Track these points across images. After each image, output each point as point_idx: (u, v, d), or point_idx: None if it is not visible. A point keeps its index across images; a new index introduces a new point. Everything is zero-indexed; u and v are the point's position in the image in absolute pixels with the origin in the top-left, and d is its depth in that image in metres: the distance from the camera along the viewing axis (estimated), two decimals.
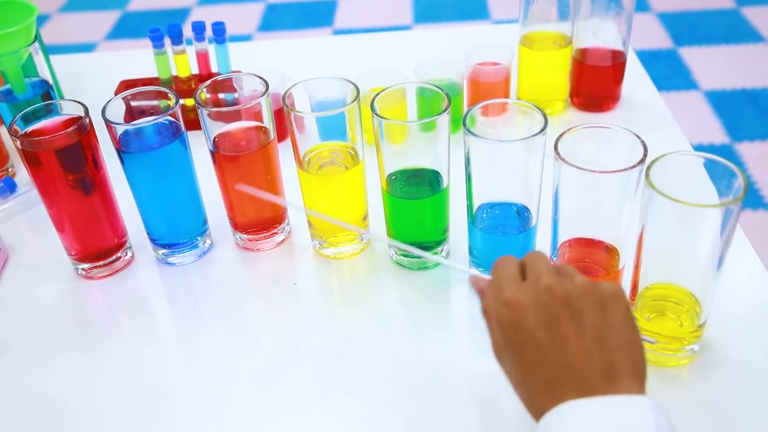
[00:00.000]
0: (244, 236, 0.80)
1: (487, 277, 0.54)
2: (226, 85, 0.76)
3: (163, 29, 0.96)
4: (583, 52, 0.96)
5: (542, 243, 0.70)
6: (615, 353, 0.47)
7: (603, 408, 0.45)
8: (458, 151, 0.67)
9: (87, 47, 2.75)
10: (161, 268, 0.79)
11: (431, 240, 0.75)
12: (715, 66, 2.40)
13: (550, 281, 0.49)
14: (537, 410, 0.47)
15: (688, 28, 2.62)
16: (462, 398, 0.63)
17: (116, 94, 0.87)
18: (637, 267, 0.61)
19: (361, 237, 0.78)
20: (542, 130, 0.61)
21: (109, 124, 0.69)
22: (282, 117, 0.93)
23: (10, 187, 0.90)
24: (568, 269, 0.51)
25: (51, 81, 0.91)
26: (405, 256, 0.76)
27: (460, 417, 0.62)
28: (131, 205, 0.76)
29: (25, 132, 0.71)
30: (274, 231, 0.80)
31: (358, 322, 0.71)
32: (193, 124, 0.94)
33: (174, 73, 1.02)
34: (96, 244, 0.76)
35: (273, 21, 2.87)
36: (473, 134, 0.62)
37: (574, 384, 0.46)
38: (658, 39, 2.57)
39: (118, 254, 0.78)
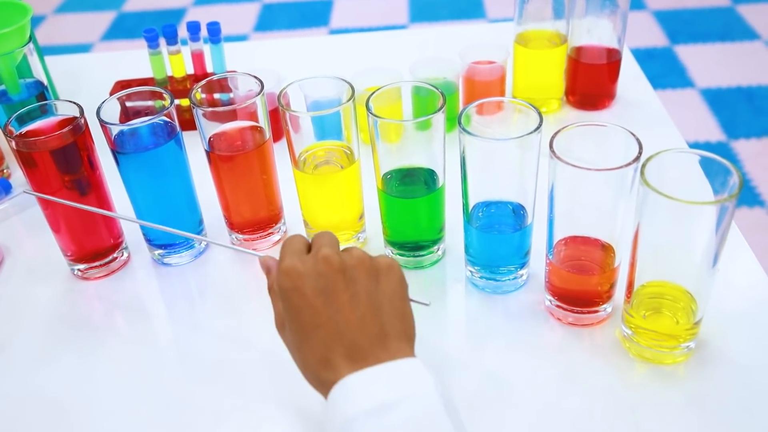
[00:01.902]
0: (240, 236, 0.80)
1: (275, 258, 0.57)
2: (222, 85, 0.76)
3: (159, 29, 0.96)
4: (579, 51, 0.96)
5: (538, 241, 0.71)
6: (386, 319, 0.50)
7: (384, 375, 0.48)
8: (454, 149, 0.67)
9: (83, 48, 2.75)
10: (157, 269, 0.79)
11: (427, 239, 0.75)
12: (711, 64, 2.40)
13: (328, 252, 0.52)
14: (314, 378, 0.50)
15: (683, 26, 2.63)
16: (457, 397, 0.63)
17: (111, 94, 0.87)
18: (632, 265, 0.61)
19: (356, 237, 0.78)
20: (537, 128, 0.61)
21: (104, 124, 0.69)
22: (277, 117, 0.93)
23: (6, 188, 0.89)
24: (352, 248, 0.54)
25: (46, 81, 0.91)
26: (401, 255, 0.76)
27: None
28: (127, 206, 0.76)
29: (20, 133, 0.71)
30: (270, 231, 0.80)
31: None
32: (189, 124, 0.94)
33: (169, 74, 1.01)
34: (92, 245, 0.76)
35: (269, 21, 2.87)
36: (468, 133, 0.62)
37: (346, 349, 0.49)
38: (654, 37, 2.58)
39: (114, 255, 0.78)
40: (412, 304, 0.54)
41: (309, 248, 0.55)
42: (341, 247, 0.55)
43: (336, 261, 0.52)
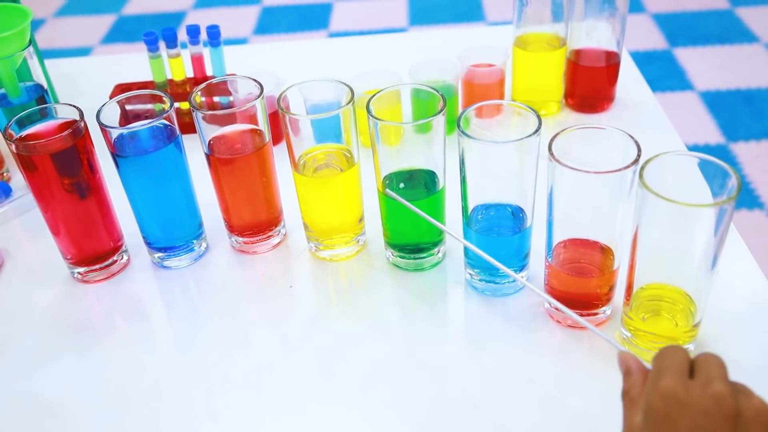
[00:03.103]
0: (240, 239, 0.80)
1: (637, 357, 0.50)
2: (221, 88, 0.77)
3: (158, 33, 0.96)
4: (577, 53, 0.97)
5: (537, 244, 0.71)
6: None
7: None
8: (454, 152, 0.67)
9: (83, 51, 2.75)
10: (157, 272, 0.79)
11: (427, 241, 0.75)
12: (710, 66, 2.40)
13: (723, 389, 0.42)
14: None
15: (682, 29, 2.63)
16: (457, 399, 0.63)
17: (111, 97, 0.87)
18: (631, 267, 0.61)
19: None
20: (536, 131, 0.61)
21: (103, 127, 0.69)
22: (277, 120, 0.93)
23: (6, 191, 0.89)
24: (746, 386, 0.45)
25: (46, 85, 0.91)
26: (401, 257, 0.76)
27: (455, 418, 0.62)
28: (127, 209, 0.76)
29: (20, 136, 0.71)
30: (270, 234, 0.80)
31: (354, 324, 0.71)
32: (188, 127, 0.94)
33: (169, 77, 1.02)
34: (92, 248, 0.76)
35: (269, 24, 2.88)
36: (467, 136, 0.62)
37: None
38: (653, 40, 2.58)
39: (114, 258, 0.78)
40: None
41: (691, 368, 0.46)
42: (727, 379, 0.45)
43: (730, 405, 0.41)
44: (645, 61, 2.45)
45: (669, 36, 2.59)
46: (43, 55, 1.02)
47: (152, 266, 0.80)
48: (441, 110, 0.66)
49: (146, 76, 1.07)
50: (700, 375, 0.44)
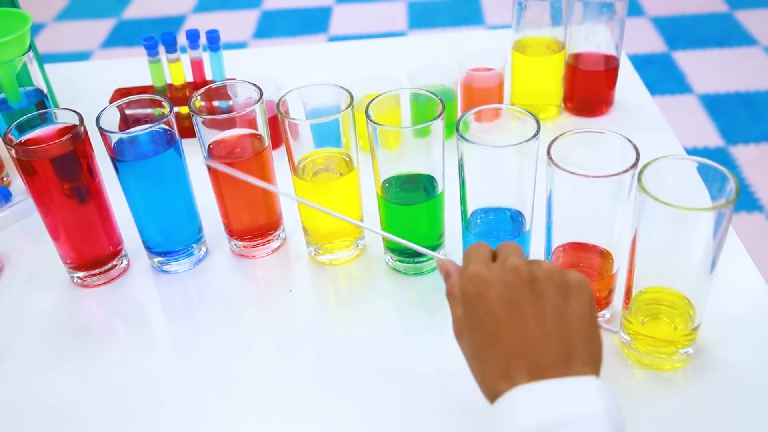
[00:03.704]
0: (240, 243, 0.80)
1: (454, 261, 0.56)
2: (221, 92, 0.77)
3: (158, 37, 0.96)
4: (576, 57, 0.97)
5: (536, 247, 0.71)
6: (573, 340, 0.47)
7: (551, 391, 0.45)
8: (453, 156, 0.67)
9: (82, 56, 2.75)
10: (157, 276, 0.79)
11: (427, 245, 0.74)
12: (709, 69, 2.41)
13: (517, 261, 0.50)
14: (490, 390, 0.48)
15: (681, 32, 2.63)
16: (457, 404, 0.63)
17: (111, 102, 0.87)
18: (630, 271, 0.61)
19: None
20: (535, 135, 0.61)
21: (103, 132, 0.69)
22: (276, 124, 0.93)
23: (5, 196, 0.90)
24: (542, 260, 0.51)
25: (45, 90, 0.91)
26: (400, 261, 0.76)
27: (455, 423, 0.62)
28: (126, 214, 0.76)
29: (20, 141, 0.71)
30: (270, 238, 0.80)
31: (354, 329, 0.71)
32: (188, 131, 0.95)
33: (168, 81, 1.02)
34: (91, 253, 0.76)
35: (268, 28, 2.88)
36: (466, 140, 0.62)
37: (528, 365, 0.46)
38: (653, 43, 2.58)
39: (114, 262, 0.78)
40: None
41: (493, 257, 0.53)
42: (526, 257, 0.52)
43: (525, 271, 0.49)
44: (644, 64, 2.45)
45: (668, 39, 2.60)
46: (42, 59, 1.02)
47: (152, 271, 0.80)
48: (440, 114, 0.66)
49: (146, 80, 1.07)
50: (500, 257, 0.52)
